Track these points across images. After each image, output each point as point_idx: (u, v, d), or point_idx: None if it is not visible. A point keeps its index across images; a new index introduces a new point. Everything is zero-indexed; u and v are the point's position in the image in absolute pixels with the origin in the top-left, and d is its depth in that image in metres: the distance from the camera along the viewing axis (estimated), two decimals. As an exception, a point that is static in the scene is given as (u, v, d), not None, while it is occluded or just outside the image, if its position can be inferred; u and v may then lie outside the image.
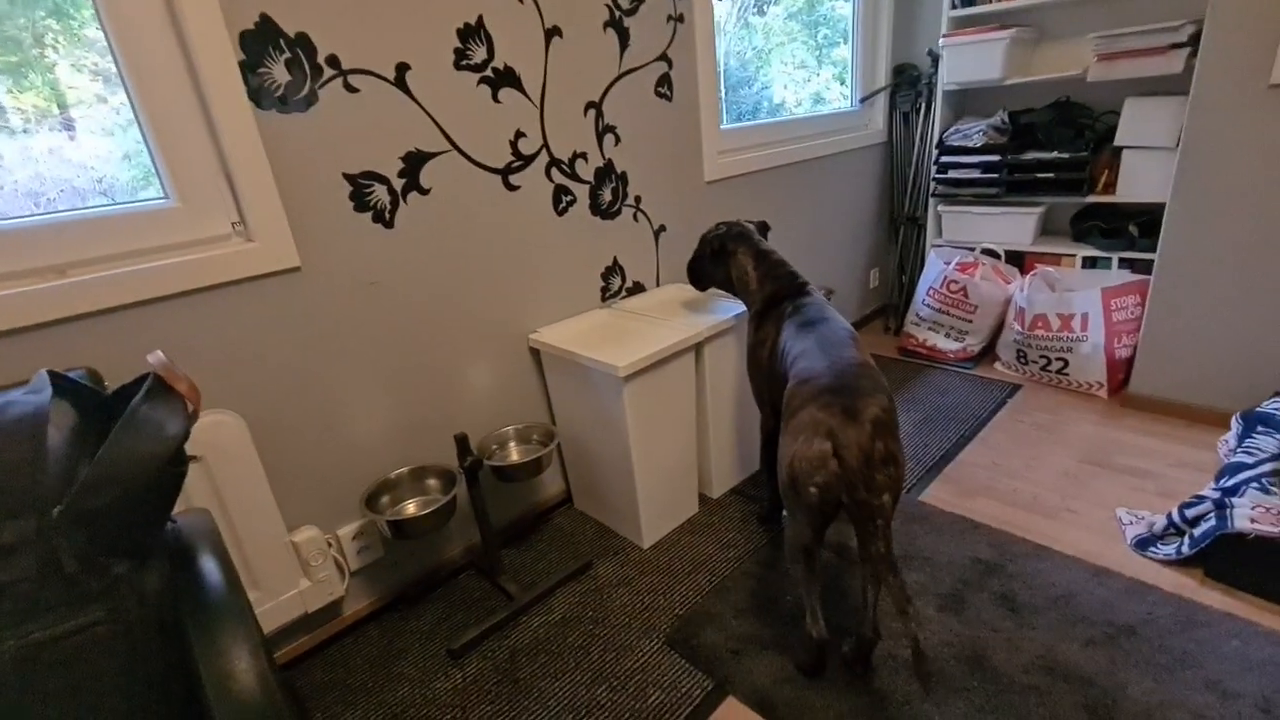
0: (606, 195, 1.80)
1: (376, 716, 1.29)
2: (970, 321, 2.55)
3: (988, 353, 2.62)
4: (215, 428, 1.20)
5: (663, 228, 1.98)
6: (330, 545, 1.42)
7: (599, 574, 1.64)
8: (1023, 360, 2.41)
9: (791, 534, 1.24)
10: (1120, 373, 2.21)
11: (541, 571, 1.65)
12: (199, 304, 1.20)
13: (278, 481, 1.32)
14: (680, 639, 1.40)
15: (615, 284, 1.91)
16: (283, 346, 1.31)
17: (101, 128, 1.20)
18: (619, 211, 1.85)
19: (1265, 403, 1.74)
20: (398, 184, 1.39)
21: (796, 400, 1.17)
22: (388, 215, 1.39)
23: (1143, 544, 1.52)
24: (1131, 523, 1.59)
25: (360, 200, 1.35)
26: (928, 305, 2.64)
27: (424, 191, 1.43)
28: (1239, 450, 1.63)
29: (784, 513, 1.29)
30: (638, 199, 1.88)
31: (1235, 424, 1.76)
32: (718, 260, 1.65)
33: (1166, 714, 1.14)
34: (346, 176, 1.33)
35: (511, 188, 1.58)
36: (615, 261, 1.89)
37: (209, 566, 0.84)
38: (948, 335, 2.63)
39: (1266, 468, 1.50)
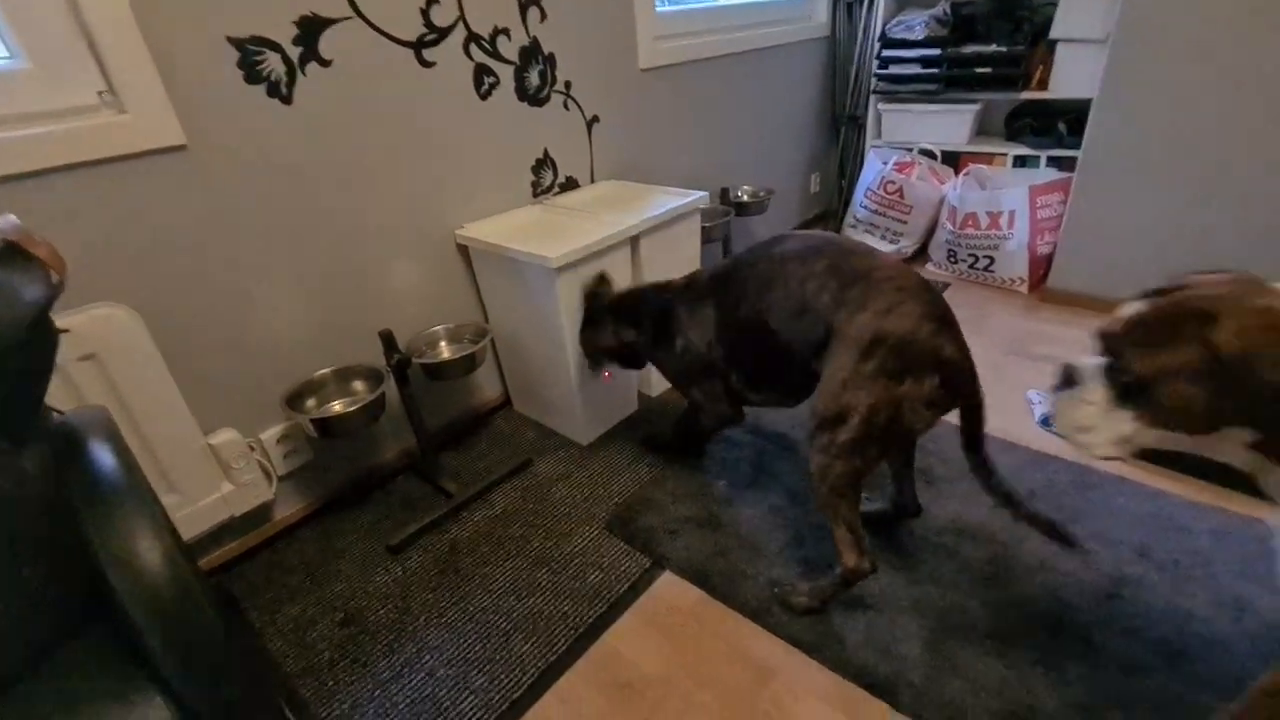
0: (533, 79, 1.68)
1: (316, 611, 1.29)
2: (905, 223, 2.58)
3: (920, 254, 2.68)
4: (104, 322, 1.10)
5: (596, 118, 1.88)
6: (253, 449, 1.37)
7: (539, 470, 1.65)
8: (953, 260, 2.48)
9: (854, 470, 1.06)
10: (1041, 269, 2.30)
11: (481, 471, 1.65)
12: (67, 183, 1.07)
13: (187, 382, 1.24)
14: (619, 524, 1.44)
15: (547, 179, 1.82)
16: (175, 235, 1.19)
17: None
18: (548, 98, 1.73)
19: (1167, 289, 1.85)
20: (293, 53, 1.25)
21: (868, 335, 1.00)
22: (284, 89, 1.26)
23: (1048, 420, 1.63)
24: (1040, 402, 1.70)
25: (251, 70, 1.21)
26: (865, 207, 2.65)
27: (325, 63, 1.29)
28: (1140, 333, 1.74)
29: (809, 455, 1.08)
30: (568, 85, 1.77)
31: (1139, 310, 1.87)
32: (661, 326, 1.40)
33: (1057, 561, 1.26)
34: (232, 41, 1.18)
35: (426, 64, 1.45)
36: (546, 154, 1.79)
37: (101, 453, 0.78)
38: (883, 237, 2.66)
39: (1162, 346, 1.61)
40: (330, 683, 1.15)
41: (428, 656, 1.18)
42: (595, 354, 1.54)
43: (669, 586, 1.29)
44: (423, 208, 1.55)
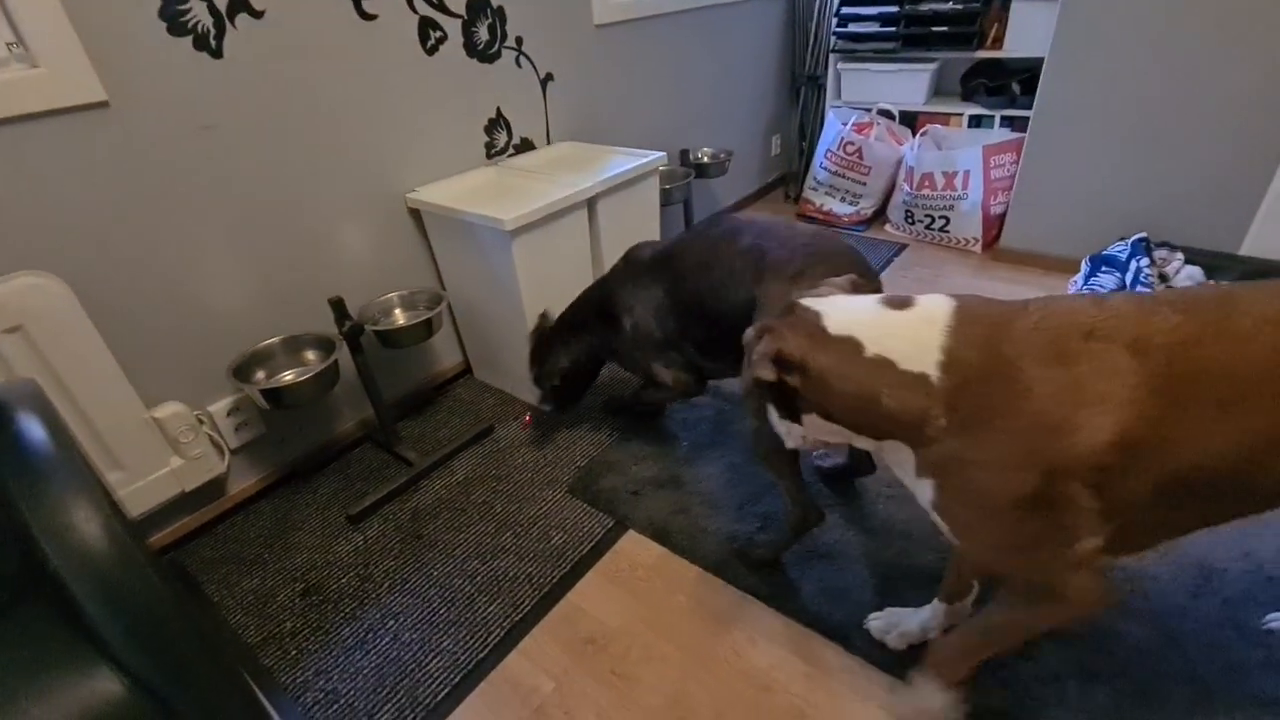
0: (483, 33, 1.62)
1: (275, 583, 1.28)
2: (864, 184, 2.60)
3: (879, 216, 2.70)
4: (31, 292, 1.04)
5: (550, 76, 1.83)
6: (202, 422, 1.33)
7: (501, 437, 1.64)
8: (910, 221, 2.51)
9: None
10: (994, 229, 2.35)
11: (442, 439, 1.63)
12: (-23, 143, 1.00)
13: (125, 354, 1.19)
14: (582, 486, 1.45)
15: (501, 140, 1.77)
16: (103, 199, 1.13)
17: None
18: (498, 54, 1.67)
19: (1110, 246, 1.91)
20: (220, 2, 1.18)
21: (779, 302, 1.01)
22: (213, 41, 1.19)
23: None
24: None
25: (175, 21, 1.14)
26: (825, 169, 2.66)
27: (256, 14, 1.22)
28: (1084, 288, 1.80)
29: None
30: (519, 41, 1.71)
31: (1085, 265, 1.93)
32: (608, 319, 1.42)
33: (1002, 507, 1.31)
34: (152, -11, 1.10)
35: (366, 16, 1.38)
36: (499, 113, 1.74)
37: (29, 425, 0.75)
38: (843, 199, 2.68)
39: (1104, 301, 1.67)
40: (293, 651, 1.15)
41: (392, 622, 1.18)
42: (551, 386, 1.52)
43: (631, 545, 1.32)
44: (370, 169, 1.50)
